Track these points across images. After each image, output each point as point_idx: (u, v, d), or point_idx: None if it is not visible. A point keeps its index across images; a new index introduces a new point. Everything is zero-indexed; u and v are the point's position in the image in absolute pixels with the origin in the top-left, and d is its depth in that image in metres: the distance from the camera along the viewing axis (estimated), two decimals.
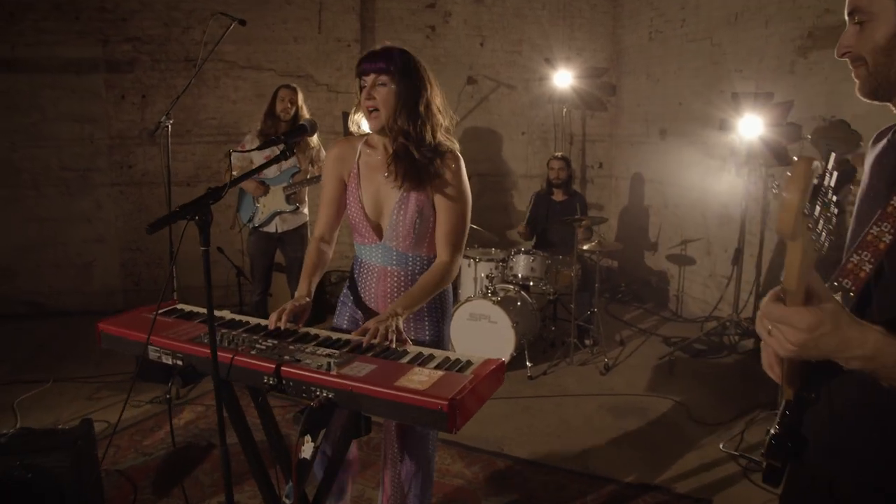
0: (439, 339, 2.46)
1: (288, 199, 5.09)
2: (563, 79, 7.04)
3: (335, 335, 2.13)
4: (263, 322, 2.24)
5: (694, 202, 6.47)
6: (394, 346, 2.00)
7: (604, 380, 5.08)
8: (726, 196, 5.97)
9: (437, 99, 2.26)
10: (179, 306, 2.50)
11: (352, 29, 6.90)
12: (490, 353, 4.95)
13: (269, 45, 6.72)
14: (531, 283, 5.36)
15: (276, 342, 2.00)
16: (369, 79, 2.20)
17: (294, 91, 5.07)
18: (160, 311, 2.39)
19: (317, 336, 2.11)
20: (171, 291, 4.85)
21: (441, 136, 2.28)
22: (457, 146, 2.33)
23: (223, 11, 4.52)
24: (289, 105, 5.01)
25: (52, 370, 5.11)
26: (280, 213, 5.13)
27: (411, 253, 2.36)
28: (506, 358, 5.00)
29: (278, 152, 1.99)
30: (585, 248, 5.31)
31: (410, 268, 2.38)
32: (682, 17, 6.48)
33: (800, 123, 5.07)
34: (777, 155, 5.25)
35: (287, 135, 2.01)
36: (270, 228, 5.17)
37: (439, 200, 2.29)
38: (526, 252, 5.37)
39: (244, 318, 2.30)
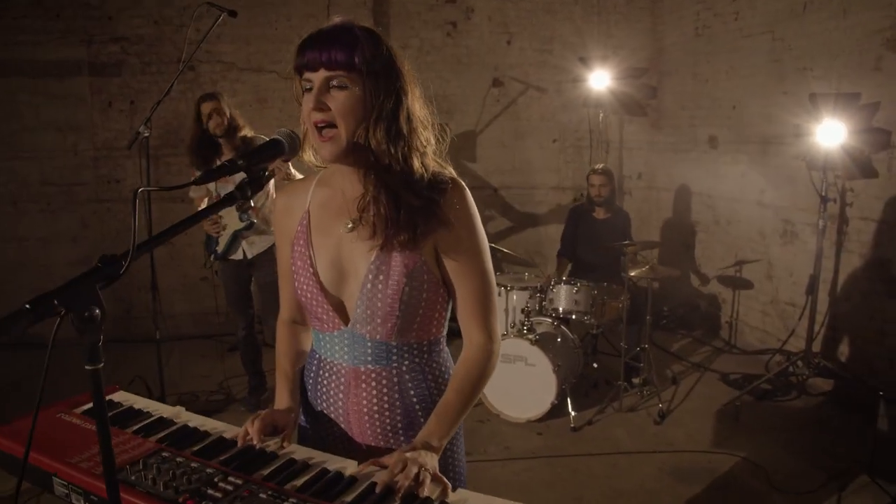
0: (447, 462, 1.60)
1: (241, 217, 4.28)
2: (600, 80, 6.30)
3: (333, 462, 1.40)
4: (230, 433, 1.52)
5: (751, 218, 5.70)
6: (426, 492, 1.27)
7: (660, 430, 4.33)
8: (791, 212, 5.21)
9: (418, 105, 1.49)
10: (119, 398, 1.79)
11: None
12: (527, 399, 4.26)
13: (271, 45, 6.02)
14: (573, 317, 4.61)
15: (240, 482, 1.28)
16: (317, 77, 1.39)
17: (216, 99, 4.21)
18: (84, 409, 1.69)
19: (305, 466, 1.38)
20: (159, 333, 4.16)
21: (432, 163, 1.52)
22: (453, 172, 1.56)
23: (212, 2, 3.81)
24: (217, 118, 4.17)
25: (18, 414, 4.43)
26: (240, 233, 4.34)
27: (396, 342, 1.53)
28: (546, 407, 4.27)
29: (231, 186, 1.27)
30: (633, 273, 4.55)
31: (397, 365, 1.56)
32: (735, 9, 5.72)
33: (888, 129, 4.31)
34: (860, 166, 4.50)
35: (250, 156, 1.25)
36: (238, 255, 4.40)
37: (454, 259, 1.52)
38: (568, 282, 4.61)
39: (204, 425, 1.58)
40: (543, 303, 4.66)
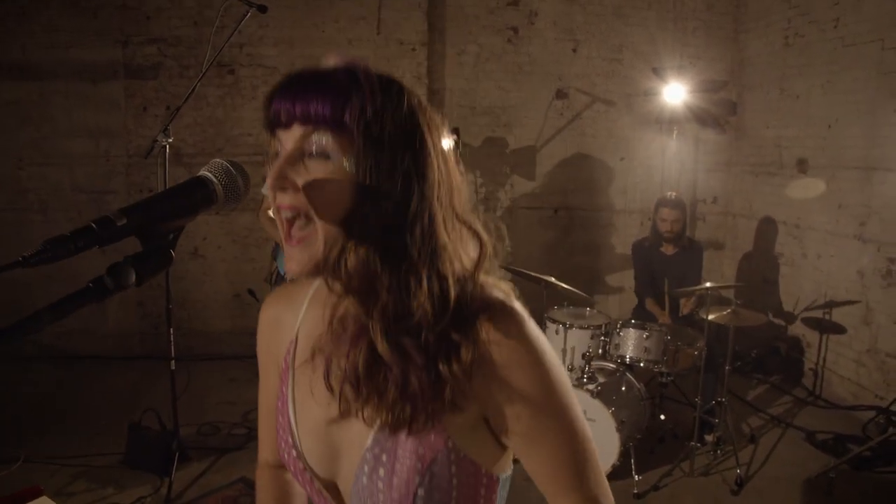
0: None
1: None
2: (675, 93, 5.67)
3: None
4: None
5: (847, 254, 5.00)
6: None
7: (737, 502, 3.69)
8: None
9: (456, 202, 0.95)
10: None
11: (418, 30, 5.74)
12: None
13: (317, 49, 5.59)
14: (641, 364, 4.02)
15: None
16: (288, 137, 0.89)
17: None
18: None
19: None
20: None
21: (468, 280, 0.95)
22: (502, 285, 0.98)
23: None
24: None
25: (28, 442, 4.07)
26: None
27: None
28: (606, 469, 3.67)
29: None
30: (712, 317, 3.94)
31: None
32: (836, 14, 5.04)
33: None
34: None
35: (141, 211, 0.77)
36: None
37: (517, 429, 0.96)
38: (637, 326, 4.01)
39: None
40: (607, 347, 4.07)
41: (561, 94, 6.12)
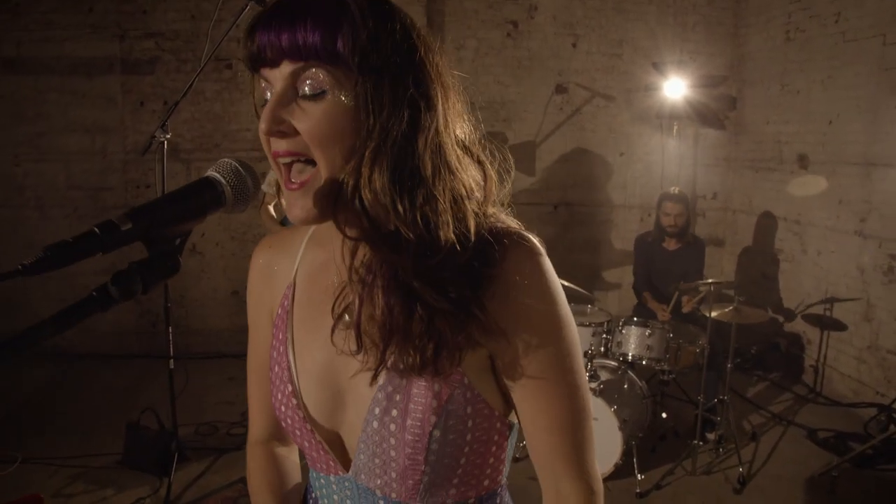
0: None
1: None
2: (675, 88, 5.65)
3: None
4: None
5: (847, 250, 4.98)
6: None
7: (740, 501, 3.68)
8: None
9: (458, 126, 0.92)
10: None
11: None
12: None
13: None
14: (643, 362, 4.00)
15: None
16: (277, 76, 0.83)
17: None
18: None
19: None
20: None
21: (482, 218, 0.91)
22: (516, 224, 0.96)
23: None
24: None
25: (24, 442, 4.04)
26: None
27: (425, 503, 0.96)
28: (608, 468, 3.66)
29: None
30: (714, 314, 3.92)
31: None
32: (837, 9, 5.01)
33: None
34: None
35: (145, 215, 0.71)
36: None
37: (521, 374, 0.91)
38: (640, 324, 3.99)
39: None
40: (609, 344, 4.05)
41: (560, 89, 6.08)
